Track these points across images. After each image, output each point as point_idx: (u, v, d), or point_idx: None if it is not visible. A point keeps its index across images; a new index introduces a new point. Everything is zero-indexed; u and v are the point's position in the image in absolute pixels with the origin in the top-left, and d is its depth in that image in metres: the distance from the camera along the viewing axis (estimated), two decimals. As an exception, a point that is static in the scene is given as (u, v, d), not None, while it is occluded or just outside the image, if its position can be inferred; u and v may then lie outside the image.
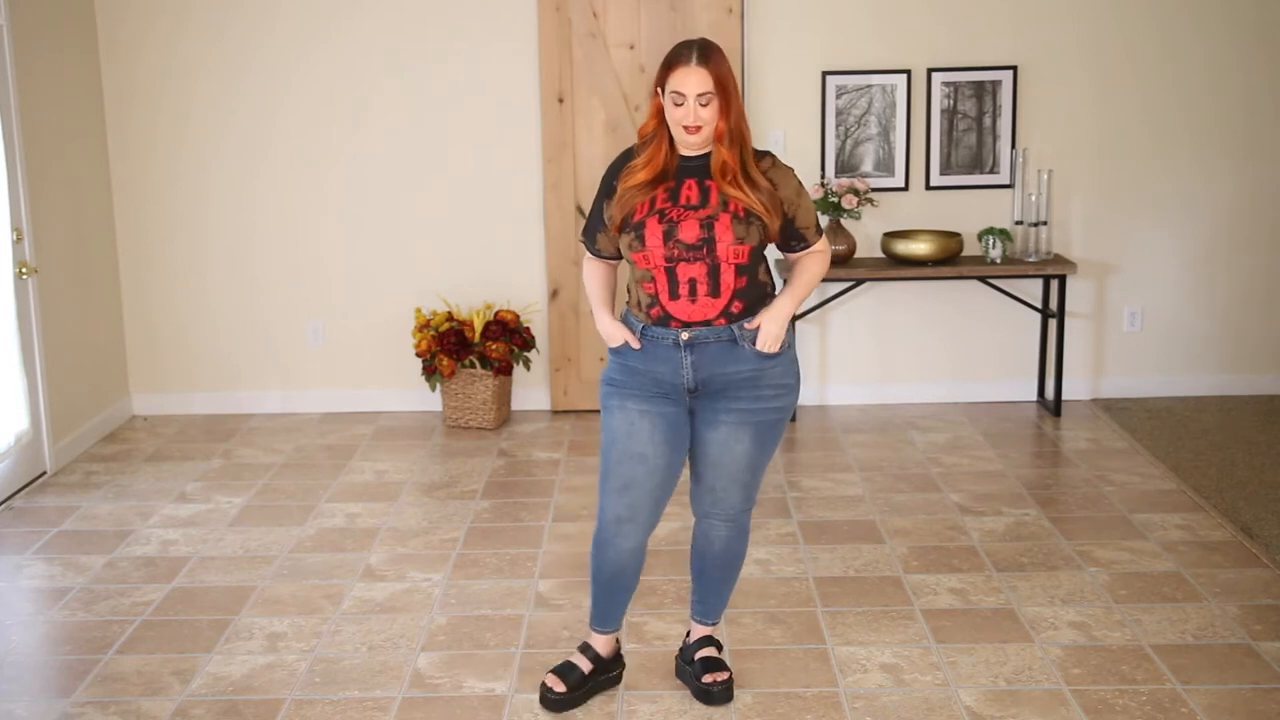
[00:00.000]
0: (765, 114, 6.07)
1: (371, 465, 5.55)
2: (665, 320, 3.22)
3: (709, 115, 3.12)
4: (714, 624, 3.59)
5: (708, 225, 3.15)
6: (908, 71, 6.05)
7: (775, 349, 3.24)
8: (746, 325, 3.21)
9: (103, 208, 6.10)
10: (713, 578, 3.50)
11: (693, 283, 3.18)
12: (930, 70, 6.05)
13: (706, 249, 3.15)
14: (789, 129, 6.11)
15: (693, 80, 3.09)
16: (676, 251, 3.16)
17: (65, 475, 5.47)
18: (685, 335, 3.21)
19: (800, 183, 3.27)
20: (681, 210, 3.17)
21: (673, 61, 3.13)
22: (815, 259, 3.35)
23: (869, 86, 6.08)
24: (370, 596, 4.20)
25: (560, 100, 6.04)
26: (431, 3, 6.02)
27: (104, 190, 6.11)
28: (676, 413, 3.28)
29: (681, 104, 3.11)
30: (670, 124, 3.17)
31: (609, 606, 3.48)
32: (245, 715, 3.46)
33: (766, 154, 3.26)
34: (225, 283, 6.27)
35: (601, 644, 3.52)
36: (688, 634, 3.60)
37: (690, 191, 3.19)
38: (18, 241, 5.24)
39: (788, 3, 6.01)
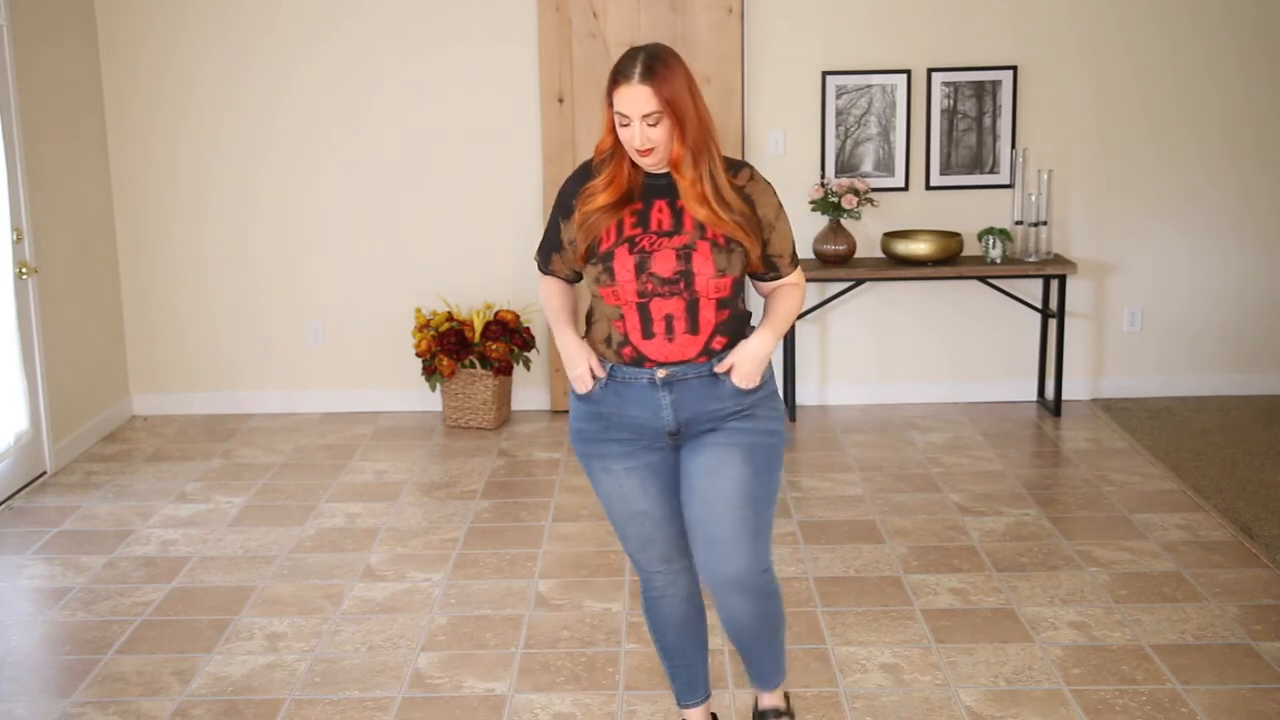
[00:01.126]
0: (765, 114, 6.07)
1: (371, 465, 5.55)
2: (639, 360, 2.82)
3: (660, 135, 2.70)
4: (776, 686, 3.17)
5: (685, 256, 2.75)
6: (908, 71, 6.05)
7: (755, 383, 2.85)
8: (718, 369, 2.82)
9: (103, 208, 6.10)
10: (749, 646, 3.06)
11: (669, 319, 2.78)
12: (930, 70, 6.05)
13: (684, 282, 2.75)
14: (789, 129, 6.11)
15: (635, 99, 2.68)
16: (650, 286, 2.76)
17: (65, 475, 5.47)
18: (662, 373, 2.80)
19: (780, 203, 2.86)
20: (654, 238, 2.77)
21: (615, 76, 2.72)
22: (791, 292, 2.94)
23: (869, 86, 6.07)
24: (370, 596, 4.20)
25: (560, 100, 6.04)
26: (431, 3, 6.02)
27: (104, 190, 6.11)
28: (661, 459, 2.91)
29: (627, 124, 2.71)
30: (622, 142, 2.77)
31: (686, 672, 3.14)
32: (245, 715, 3.46)
33: (744, 166, 2.85)
34: (225, 283, 6.27)
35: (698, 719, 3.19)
36: (756, 700, 3.24)
37: (661, 215, 2.79)
38: (18, 241, 5.24)
39: (788, 3, 6.01)
